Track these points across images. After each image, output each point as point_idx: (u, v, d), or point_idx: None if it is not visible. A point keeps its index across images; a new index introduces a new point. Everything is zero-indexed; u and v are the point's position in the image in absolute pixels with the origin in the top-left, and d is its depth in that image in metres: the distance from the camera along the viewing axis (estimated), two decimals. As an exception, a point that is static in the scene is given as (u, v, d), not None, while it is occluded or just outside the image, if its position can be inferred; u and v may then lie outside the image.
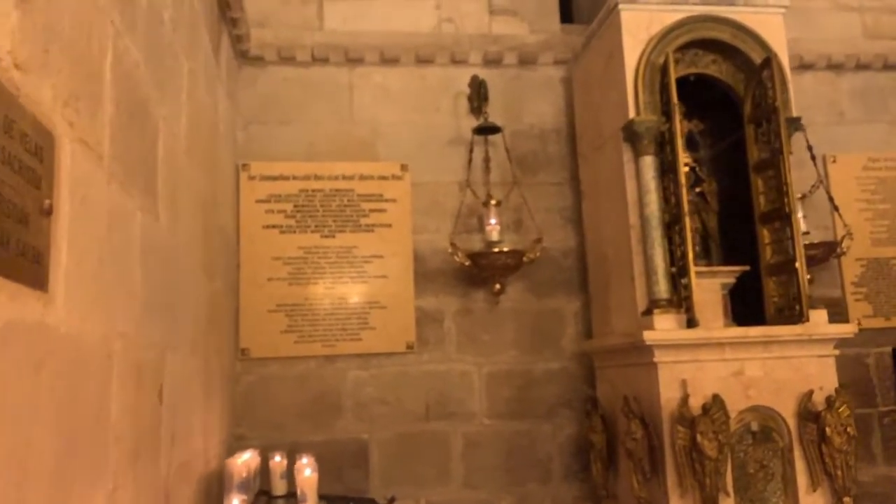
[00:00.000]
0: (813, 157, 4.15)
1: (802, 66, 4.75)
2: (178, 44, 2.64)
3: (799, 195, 4.10)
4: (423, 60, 4.52)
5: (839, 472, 3.32)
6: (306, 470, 2.79)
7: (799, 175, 4.16)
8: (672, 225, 3.56)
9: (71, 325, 1.48)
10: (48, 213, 1.34)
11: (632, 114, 3.62)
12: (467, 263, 4.13)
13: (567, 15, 4.93)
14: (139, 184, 2.08)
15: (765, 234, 3.67)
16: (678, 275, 3.52)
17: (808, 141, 4.11)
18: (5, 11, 1.22)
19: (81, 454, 1.54)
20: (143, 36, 2.11)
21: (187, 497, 2.70)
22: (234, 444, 3.86)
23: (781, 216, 3.56)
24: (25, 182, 1.24)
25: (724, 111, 3.95)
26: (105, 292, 1.72)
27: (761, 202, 3.69)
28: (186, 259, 2.77)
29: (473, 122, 4.39)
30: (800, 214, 4.05)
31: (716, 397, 3.27)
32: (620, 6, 3.69)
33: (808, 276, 3.98)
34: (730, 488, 3.26)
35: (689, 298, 3.42)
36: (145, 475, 2.08)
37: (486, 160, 4.34)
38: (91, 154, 1.63)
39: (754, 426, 3.40)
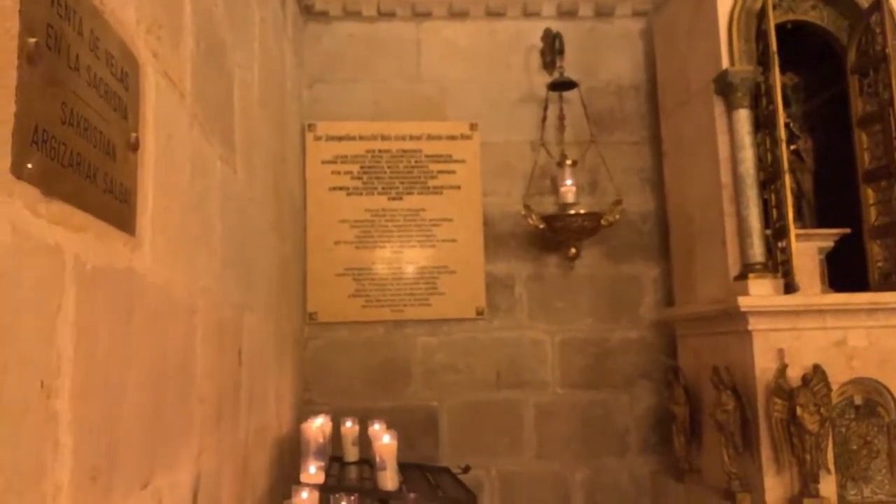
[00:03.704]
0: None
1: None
2: (251, -12, 2.50)
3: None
4: (494, 13, 4.30)
5: (950, 450, 3.08)
6: (385, 436, 2.66)
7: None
8: (768, 184, 3.31)
9: (158, 276, 1.35)
10: (135, 147, 1.21)
11: (725, 64, 3.36)
12: (542, 226, 3.93)
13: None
14: (218, 131, 1.94)
15: (869, 194, 3.38)
16: (774, 237, 3.28)
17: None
18: (87, -85, 1.08)
19: (169, 414, 1.43)
20: (219, -28, 1.97)
21: (264, 463, 2.61)
22: (304, 410, 3.78)
23: (889, 174, 3.28)
24: (112, 109, 1.11)
25: (820, 64, 3.65)
26: (189, 243, 1.60)
27: (866, 159, 3.39)
28: (261, 218, 2.65)
29: (546, 79, 4.16)
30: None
31: (817, 368, 3.03)
32: (713, -51, 3.41)
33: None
34: (831, 465, 3.04)
35: (787, 262, 3.18)
36: (227, 440, 1.97)
37: (561, 118, 4.11)
38: (174, 90, 1.49)
39: (858, 400, 3.15)
